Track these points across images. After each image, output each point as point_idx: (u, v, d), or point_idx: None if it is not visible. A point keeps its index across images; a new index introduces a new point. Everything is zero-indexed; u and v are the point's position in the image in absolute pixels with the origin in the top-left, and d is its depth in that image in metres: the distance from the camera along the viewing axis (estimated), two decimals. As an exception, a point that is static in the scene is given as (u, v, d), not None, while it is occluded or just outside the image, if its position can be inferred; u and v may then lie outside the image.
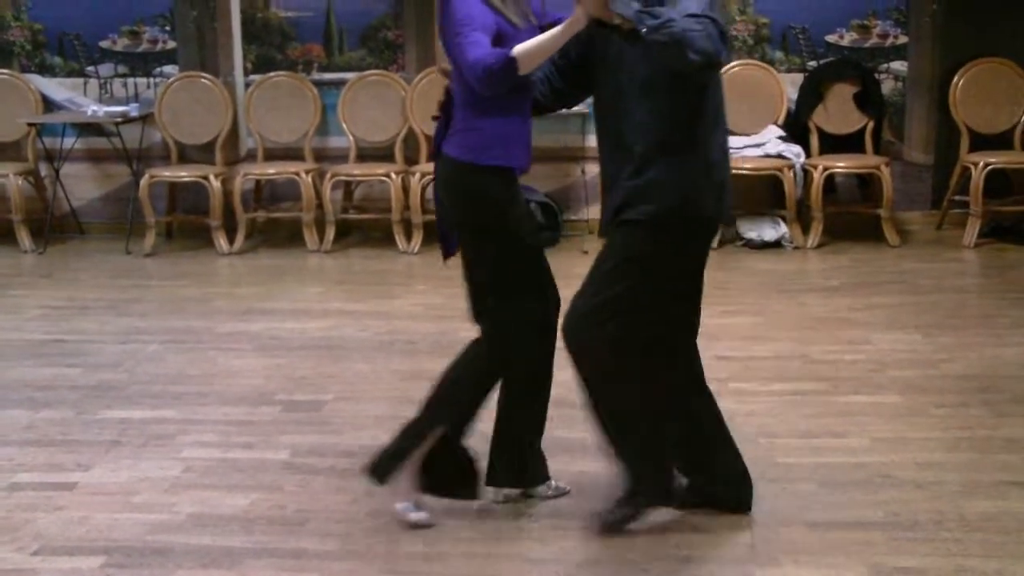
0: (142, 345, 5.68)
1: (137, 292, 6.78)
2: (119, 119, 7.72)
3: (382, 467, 3.70)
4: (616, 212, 3.51)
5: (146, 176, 7.67)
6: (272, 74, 7.96)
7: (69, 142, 8.04)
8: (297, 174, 7.60)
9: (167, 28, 8.05)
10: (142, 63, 8.11)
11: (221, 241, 7.63)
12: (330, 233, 7.60)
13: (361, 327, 5.85)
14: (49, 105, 8.10)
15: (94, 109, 7.86)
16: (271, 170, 7.75)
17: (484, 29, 3.43)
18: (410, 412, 4.52)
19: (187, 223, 8.03)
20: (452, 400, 3.77)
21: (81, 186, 8.18)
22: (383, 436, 4.21)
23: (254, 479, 4.06)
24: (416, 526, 3.68)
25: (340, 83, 7.92)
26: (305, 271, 7.24)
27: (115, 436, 4.50)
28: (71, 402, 4.90)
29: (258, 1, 7.96)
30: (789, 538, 3.57)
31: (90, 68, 8.10)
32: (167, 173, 7.76)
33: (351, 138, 7.81)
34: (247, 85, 8.01)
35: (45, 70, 8.11)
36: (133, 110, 7.83)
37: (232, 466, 4.17)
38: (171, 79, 7.99)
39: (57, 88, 8.12)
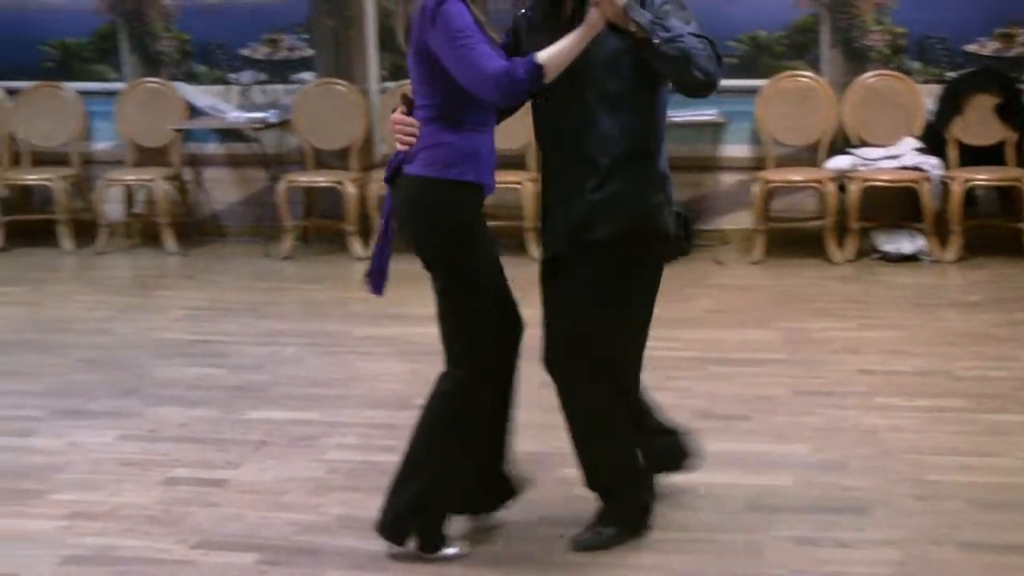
0: (282, 347, 5.81)
1: (275, 295, 6.93)
2: (258, 125, 7.90)
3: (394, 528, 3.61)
4: (578, 228, 3.46)
5: (283, 181, 7.83)
6: (405, 81, 8.02)
7: (211, 147, 8.27)
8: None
9: (304, 36, 8.21)
10: (280, 70, 8.28)
11: (356, 246, 7.76)
12: (463, 240, 7.66)
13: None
14: (193, 112, 8.32)
15: (235, 115, 8.06)
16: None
17: (483, 41, 3.30)
18: (552, 419, 4.60)
19: (323, 227, 8.18)
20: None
21: (222, 190, 8.39)
22: (528, 443, 4.27)
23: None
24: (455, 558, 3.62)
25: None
26: (437, 277, 7.31)
27: (262, 436, 4.62)
28: (219, 402, 5.04)
29: (392, 10, 8.06)
30: (940, 558, 3.52)
31: (232, 76, 8.30)
32: (303, 178, 7.92)
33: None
34: (382, 92, 8.12)
35: (191, 78, 8.33)
36: (271, 116, 8.00)
37: (375, 469, 4.23)
38: (308, 86, 8.15)
39: (201, 95, 8.34)
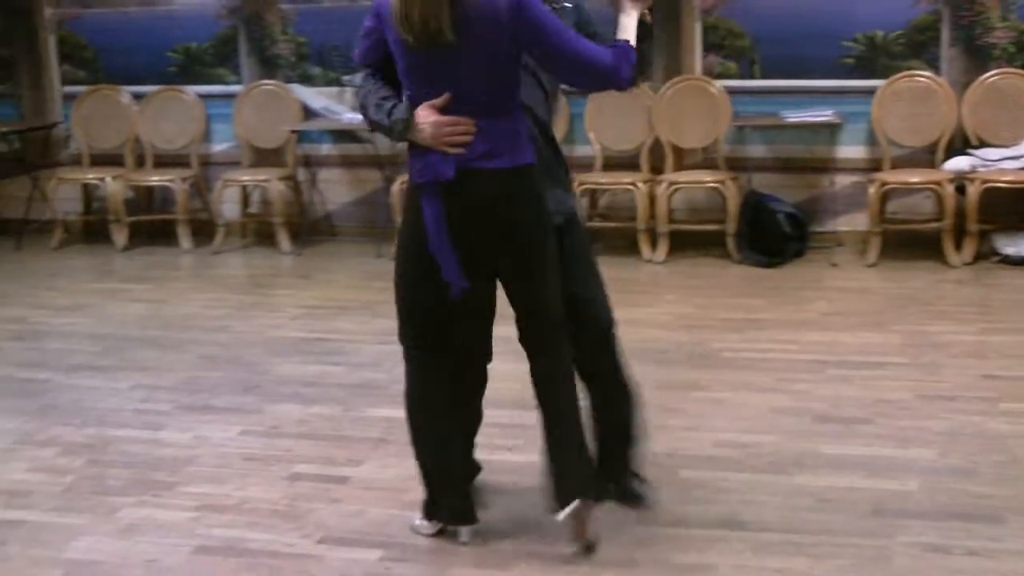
0: (399, 347, 5.83)
1: (389, 294, 6.87)
2: (373, 127, 7.97)
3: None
4: None
5: (397, 181, 7.90)
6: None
7: (326, 148, 8.39)
8: (543, 182, 7.70)
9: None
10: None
11: (469, 246, 7.80)
12: (574, 240, 7.66)
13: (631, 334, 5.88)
14: (308, 113, 8.44)
15: (349, 116, 8.15)
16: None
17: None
18: (670, 420, 4.59)
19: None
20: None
21: (335, 190, 8.50)
22: (652, 444, 4.26)
23: (522, 482, 4.14)
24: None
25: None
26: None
27: (381, 434, 4.67)
28: (338, 399, 5.11)
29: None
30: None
31: (346, 77, 8.40)
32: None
33: (597, 147, 7.88)
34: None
35: (306, 80, 8.46)
36: (386, 118, 8.06)
37: (496, 468, 4.25)
38: (422, 88, 8.21)
39: (316, 97, 8.46)
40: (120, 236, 8.45)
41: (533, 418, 4.70)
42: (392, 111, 3.42)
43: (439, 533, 3.78)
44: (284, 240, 8.18)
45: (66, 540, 3.84)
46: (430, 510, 3.79)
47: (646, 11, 3.50)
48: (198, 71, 8.69)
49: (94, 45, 8.85)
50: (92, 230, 8.79)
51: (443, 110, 3.37)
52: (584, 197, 7.75)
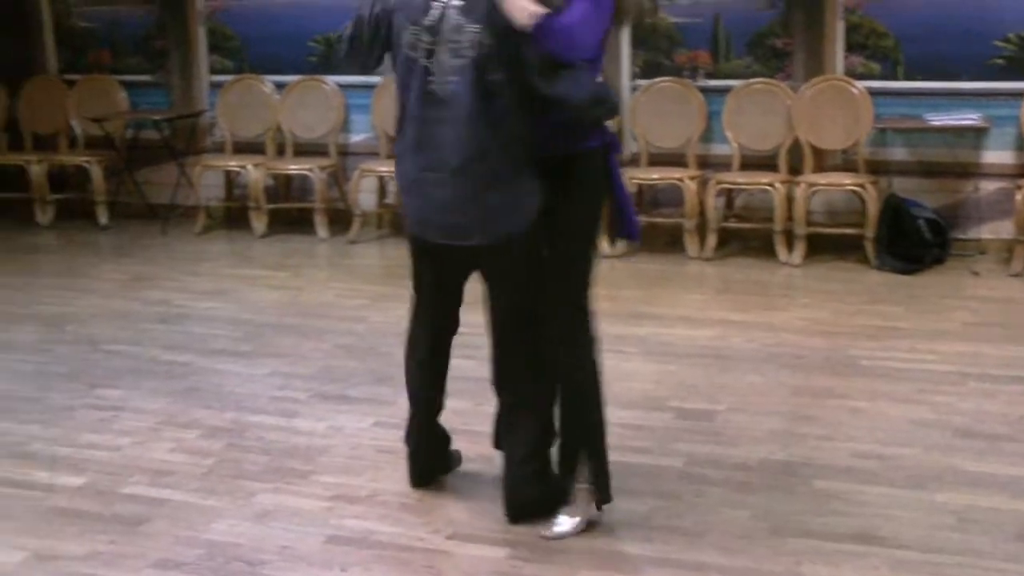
0: (532, 342, 5.86)
1: (523, 289, 7.00)
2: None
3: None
4: None
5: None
6: (658, 79, 8.04)
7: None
8: (680, 180, 7.66)
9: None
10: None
11: (603, 243, 7.78)
12: (711, 241, 7.60)
13: (748, 338, 5.83)
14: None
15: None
16: (655, 175, 7.84)
17: None
18: (805, 428, 4.53)
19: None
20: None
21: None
22: (778, 451, 4.24)
23: (651, 485, 4.13)
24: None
25: (725, 90, 7.91)
26: (686, 277, 7.28)
27: (514, 430, 4.68)
28: (470, 393, 5.11)
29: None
30: None
31: (485, 71, 8.44)
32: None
33: (735, 146, 7.79)
34: (633, 89, 8.12)
35: (445, 73, 8.51)
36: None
37: (629, 470, 4.23)
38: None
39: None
40: (259, 223, 8.62)
41: (663, 419, 4.73)
42: None
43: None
44: (418, 231, 8.25)
45: (207, 521, 3.95)
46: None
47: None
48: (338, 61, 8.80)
49: (240, 35, 9.04)
50: (233, 216, 8.99)
51: None
52: (720, 197, 7.68)
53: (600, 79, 3.64)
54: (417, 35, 3.57)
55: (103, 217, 9.16)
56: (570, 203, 3.68)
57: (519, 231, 3.66)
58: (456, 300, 4.08)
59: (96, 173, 9.11)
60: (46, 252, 8.72)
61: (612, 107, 3.66)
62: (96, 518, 4.00)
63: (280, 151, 8.90)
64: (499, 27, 3.48)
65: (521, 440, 3.89)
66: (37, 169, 9.19)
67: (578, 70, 3.47)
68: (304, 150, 8.83)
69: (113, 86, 9.40)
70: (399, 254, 7.99)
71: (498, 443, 4.08)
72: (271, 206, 8.66)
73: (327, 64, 8.80)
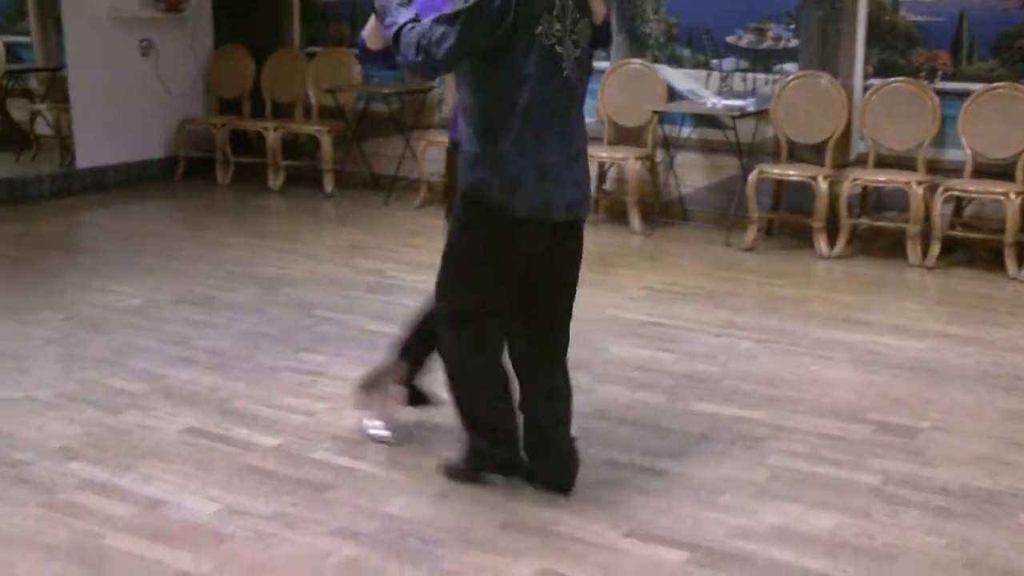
0: (736, 340, 5.75)
1: (734, 285, 6.88)
2: (736, 113, 7.85)
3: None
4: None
5: (755, 171, 7.74)
6: (892, 79, 7.73)
7: (686, 131, 8.33)
8: (907, 184, 7.35)
9: (791, 26, 8.06)
10: (763, 59, 8.19)
11: (821, 244, 7.56)
12: (934, 249, 7.27)
13: (962, 353, 5.55)
14: (672, 95, 8.40)
15: (714, 101, 8.05)
16: (881, 177, 7.56)
17: None
18: (1017, 456, 4.28)
19: (788, 222, 8.04)
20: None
21: (691, 174, 8.43)
22: (984, 478, 4.03)
23: (841, 500, 3.96)
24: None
25: (964, 93, 7.54)
26: (904, 285, 6.99)
27: (705, 429, 4.58)
28: (665, 388, 5.06)
29: (887, 4, 7.75)
30: None
31: (714, 61, 8.30)
32: (776, 170, 7.79)
33: (968, 152, 7.42)
34: (865, 88, 7.84)
35: (673, 61, 8.41)
36: (750, 105, 7.93)
37: (820, 482, 4.09)
38: (790, 77, 8.00)
39: (681, 79, 8.41)
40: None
41: (862, 432, 4.54)
42: None
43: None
44: (635, 219, 8.20)
45: (388, 495, 3.99)
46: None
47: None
48: (568, 45, 8.79)
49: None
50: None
51: None
52: (948, 204, 7.33)
53: None
54: (550, 24, 3.70)
55: (329, 185, 9.43)
56: None
57: None
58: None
59: (326, 142, 9.38)
60: (273, 215, 9.04)
61: None
62: (285, 480, 4.10)
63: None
64: (591, 19, 3.85)
65: (567, 418, 4.10)
66: (273, 136, 9.55)
67: None
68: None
69: (349, 59, 9.65)
70: (612, 241, 8.03)
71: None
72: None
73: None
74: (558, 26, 3.71)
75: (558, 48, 3.71)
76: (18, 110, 10.93)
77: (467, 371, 4.01)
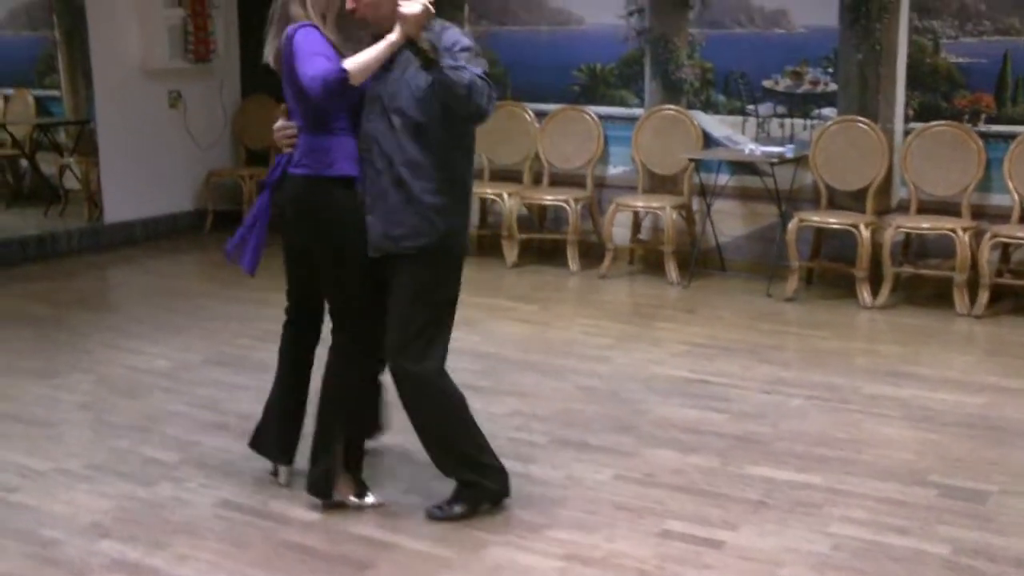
0: (785, 398, 5.56)
1: (777, 338, 6.69)
2: (775, 159, 7.69)
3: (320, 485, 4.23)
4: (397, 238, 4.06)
5: (795, 219, 7.57)
6: (934, 123, 7.56)
7: (723, 179, 8.17)
8: (953, 231, 7.16)
9: (830, 70, 7.91)
10: (800, 104, 8.04)
11: (864, 293, 7.37)
12: (983, 297, 7.07)
13: (1023, 409, 5.35)
14: (708, 141, 8.26)
15: (751, 148, 7.90)
16: (925, 224, 7.37)
17: (321, 54, 3.91)
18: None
19: (829, 270, 7.86)
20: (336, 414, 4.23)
21: (728, 223, 8.26)
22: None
23: (911, 573, 3.76)
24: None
25: (1010, 136, 7.36)
26: (952, 335, 6.78)
27: (761, 496, 4.39)
28: (717, 450, 4.87)
29: (928, 46, 7.59)
30: None
31: (750, 107, 8.16)
32: (816, 218, 7.62)
33: (1016, 196, 7.24)
34: (906, 133, 7.68)
35: (709, 107, 8.27)
36: (788, 151, 7.77)
37: (886, 553, 3.89)
38: (828, 122, 7.85)
39: (717, 125, 8.26)
40: (511, 253, 8.56)
41: (926, 496, 4.33)
42: None
43: None
44: (672, 270, 8.03)
45: (434, 572, 3.82)
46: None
47: (425, 42, 3.83)
48: (601, 92, 8.69)
49: (504, 61, 9.02)
50: (485, 243, 8.96)
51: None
52: (996, 250, 7.14)
53: None
54: None
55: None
56: None
57: None
58: None
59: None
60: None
61: None
62: (324, 557, 3.93)
63: (536, 180, 8.82)
64: None
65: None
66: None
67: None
68: (560, 180, 8.74)
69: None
70: (649, 292, 7.84)
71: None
72: (523, 236, 8.60)
73: (590, 94, 8.69)
74: None
75: None
76: (47, 164, 10.90)
77: (461, 417, 4.23)
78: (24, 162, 11.20)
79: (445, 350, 4.24)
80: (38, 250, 9.08)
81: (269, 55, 4.18)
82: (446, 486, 4.27)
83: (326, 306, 4.30)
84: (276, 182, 4.26)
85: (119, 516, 4.28)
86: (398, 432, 4.74)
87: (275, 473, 4.54)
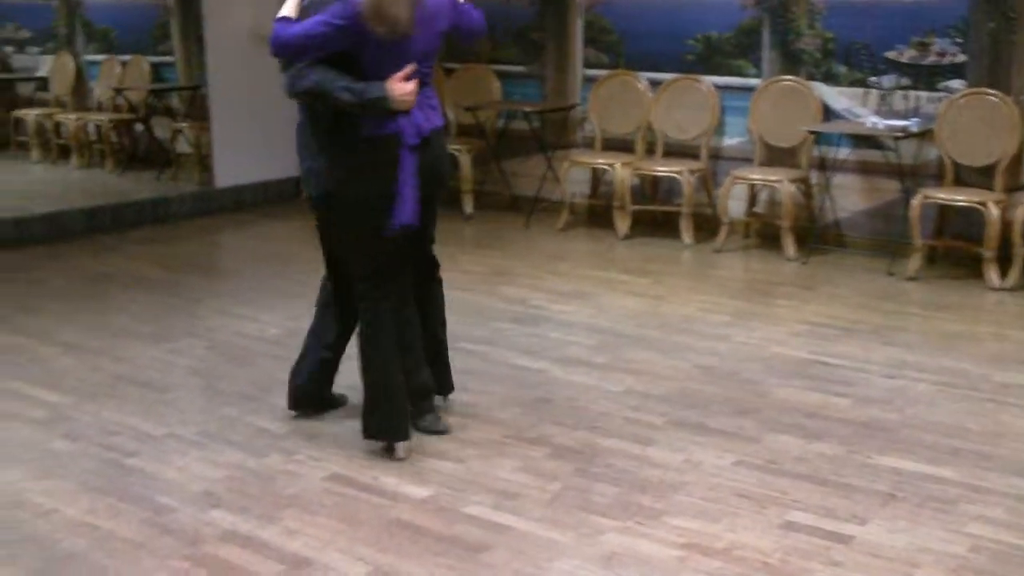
0: (911, 383, 5.34)
1: (900, 319, 6.45)
2: (898, 133, 7.41)
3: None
4: None
5: (919, 195, 7.29)
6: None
7: (842, 152, 7.90)
8: (1084, 210, 6.84)
9: (958, 40, 7.59)
10: (926, 76, 7.72)
11: (992, 274, 7.07)
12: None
13: None
14: (828, 114, 7.99)
15: (874, 121, 7.62)
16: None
17: None
18: None
19: (954, 249, 7.56)
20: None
21: (847, 198, 7.99)
22: None
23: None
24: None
25: None
26: (1089, 320, 6.48)
27: (890, 488, 4.19)
28: (842, 437, 4.68)
29: (1066, 14, 7.24)
30: None
31: (873, 79, 7.87)
32: (941, 195, 7.32)
33: None
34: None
35: (829, 79, 8.00)
36: (913, 125, 7.48)
37: (1004, 558, 3.68)
38: (956, 95, 7.53)
39: (837, 97, 7.99)
40: (623, 224, 8.40)
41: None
42: (368, 89, 4.20)
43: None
44: (789, 245, 7.79)
45: (549, 557, 3.70)
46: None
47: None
48: (717, 61, 8.46)
49: (618, 30, 8.84)
50: (596, 214, 8.82)
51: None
52: None
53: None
54: None
55: (468, 206, 9.22)
56: None
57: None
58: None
59: (465, 161, 9.16)
60: (412, 237, 8.83)
61: None
62: (437, 538, 3.83)
63: (649, 151, 8.64)
64: None
65: None
66: (410, 154, 9.35)
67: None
68: (674, 151, 8.54)
69: (489, 76, 9.43)
70: (766, 268, 7.63)
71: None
72: (636, 207, 8.43)
73: (705, 63, 8.47)
74: None
75: None
76: (161, 128, 11.00)
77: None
78: (139, 126, 11.32)
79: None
80: (152, 213, 9.15)
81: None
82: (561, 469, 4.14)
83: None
84: (424, 141, 4.41)
85: (230, 486, 4.24)
86: (508, 423, 4.62)
87: (390, 449, 4.46)
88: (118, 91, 11.13)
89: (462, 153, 9.16)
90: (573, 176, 8.69)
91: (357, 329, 4.54)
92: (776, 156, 8.16)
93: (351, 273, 4.51)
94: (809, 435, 4.68)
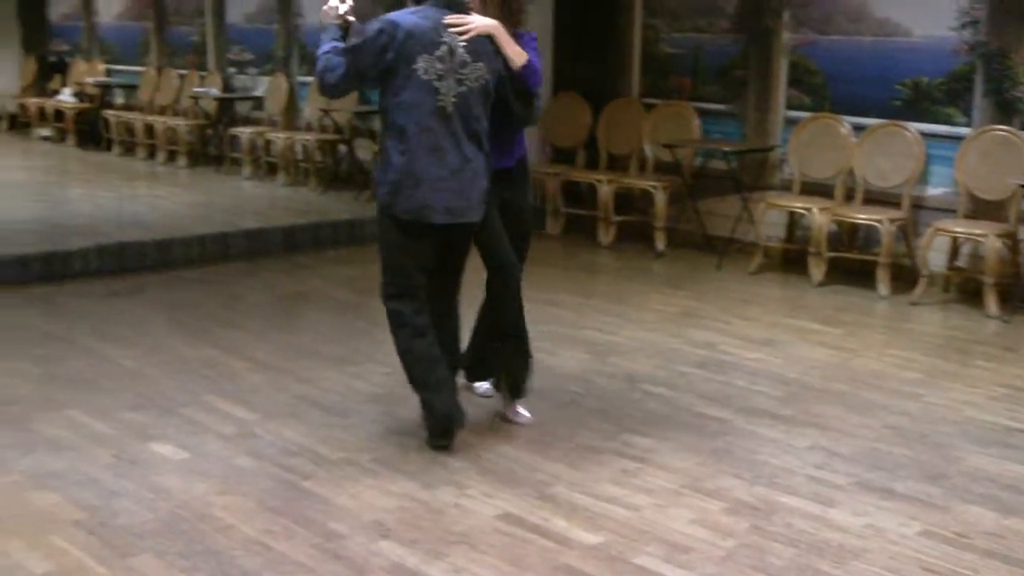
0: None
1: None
2: (1119, 192, 7.02)
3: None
4: None
5: None
6: None
7: (1057, 208, 7.54)
8: None
9: None
10: None
11: None
12: None
13: None
14: (1040, 167, 7.64)
15: (1093, 177, 7.25)
16: None
17: None
18: None
19: None
20: None
21: (1059, 256, 7.62)
22: None
23: None
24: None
25: None
26: None
27: (1088, 573, 3.93)
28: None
29: None
30: None
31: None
32: None
33: None
34: None
35: (1046, 130, 7.66)
36: None
37: None
38: None
39: (1055, 150, 7.63)
40: (817, 271, 8.19)
41: None
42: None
43: None
44: (992, 302, 7.46)
45: (718, 618, 3.59)
46: None
47: None
48: (925, 107, 8.18)
49: (824, 71, 8.65)
50: (790, 259, 8.63)
51: None
52: None
53: None
54: (430, 63, 4.61)
55: (660, 243, 9.14)
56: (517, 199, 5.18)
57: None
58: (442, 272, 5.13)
59: (660, 198, 9.10)
60: (602, 272, 8.81)
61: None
62: (606, 587, 3.77)
63: (849, 197, 8.41)
64: (495, 66, 4.75)
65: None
66: (606, 189, 9.35)
67: (538, 97, 5.00)
68: (874, 198, 8.29)
69: (689, 113, 9.36)
70: (965, 325, 7.31)
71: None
72: (832, 254, 8.20)
73: (912, 109, 8.20)
74: (439, 66, 4.62)
75: (435, 83, 4.62)
76: (363, 150, 11.26)
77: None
78: (343, 147, 11.62)
79: (384, 285, 5.19)
80: (348, 234, 9.34)
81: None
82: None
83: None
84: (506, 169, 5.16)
85: (401, 517, 4.25)
86: (685, 472, 4.51)
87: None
88: (325, 112, 11.45)
89: (658, 190, 9.08)
90: (769, 218, 8.52)
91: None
92: (982, 208, 7.83)
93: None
94: (1004, 509, 4.44)
